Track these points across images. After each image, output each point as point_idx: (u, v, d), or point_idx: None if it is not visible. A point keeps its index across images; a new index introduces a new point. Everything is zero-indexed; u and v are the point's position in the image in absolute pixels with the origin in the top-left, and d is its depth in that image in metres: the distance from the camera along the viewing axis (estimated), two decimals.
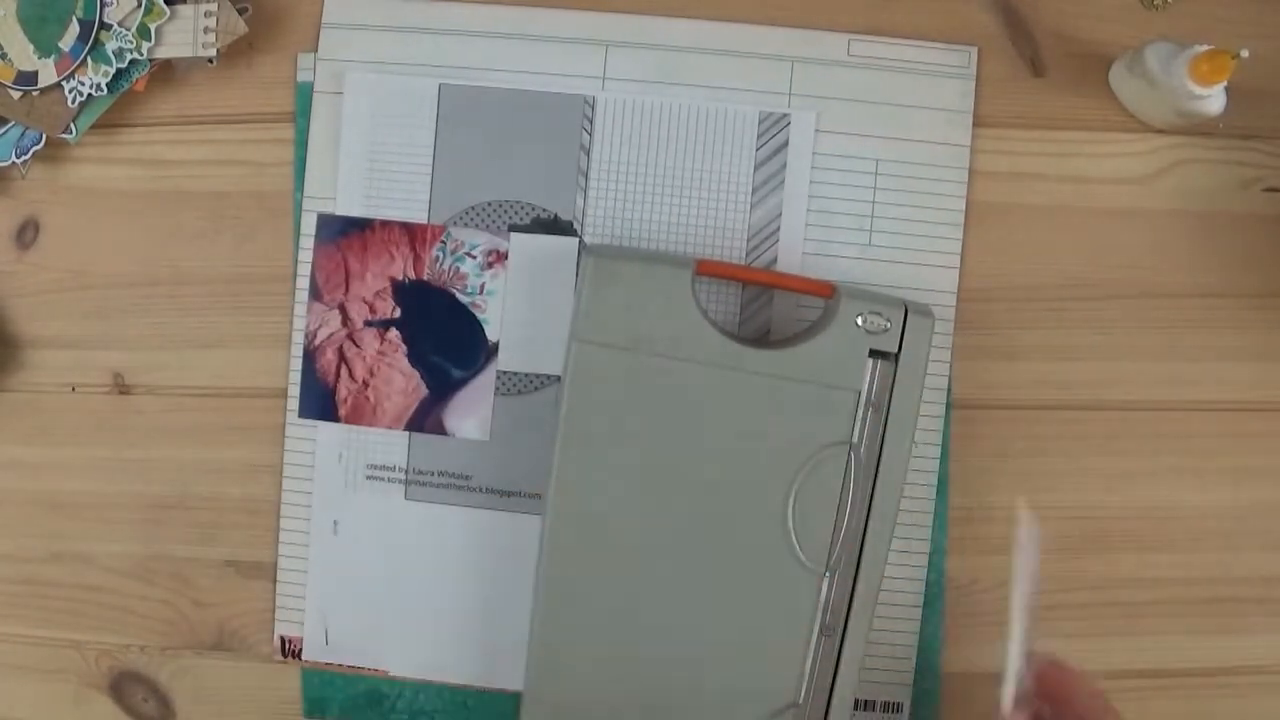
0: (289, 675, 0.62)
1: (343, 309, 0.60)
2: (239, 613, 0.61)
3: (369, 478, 0.61)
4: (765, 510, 0.55)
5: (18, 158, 0.59)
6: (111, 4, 0.57)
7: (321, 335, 0.61)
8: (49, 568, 0.62)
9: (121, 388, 0.61)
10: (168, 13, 0.57)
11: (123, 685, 0.62)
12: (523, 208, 0.60)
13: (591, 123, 0.60)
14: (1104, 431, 0.60)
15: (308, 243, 0.60)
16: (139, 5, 0.57)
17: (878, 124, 0.60)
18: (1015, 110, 0.60)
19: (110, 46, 0.57)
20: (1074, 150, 0.60)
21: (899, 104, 0.60)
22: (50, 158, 0.60)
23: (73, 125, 0.59)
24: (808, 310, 0.60)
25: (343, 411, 0.61)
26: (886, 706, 0.60)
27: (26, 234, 0.61)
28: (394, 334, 0.60)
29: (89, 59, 0.57)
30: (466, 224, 0.60)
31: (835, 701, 0.56)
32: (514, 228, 0.60)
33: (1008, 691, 0.45)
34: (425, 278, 0.60)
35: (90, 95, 0.58)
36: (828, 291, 0.56)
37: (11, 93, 0.58)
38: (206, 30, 0.57)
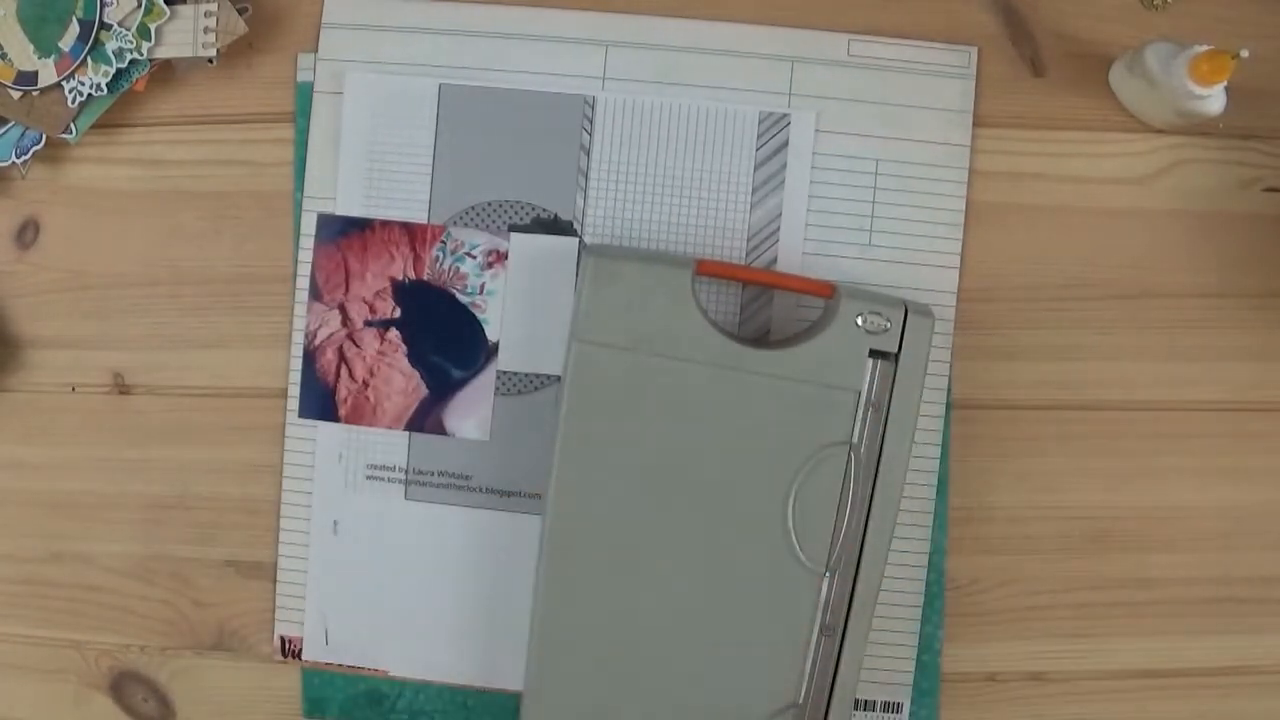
0: (289, 675, 0.62)
1: (343, 309, 0.60)
2: (239, 613, 0.61)
3: (369, 478, 0.61)
4: (765, 510, 0.55)
5: (18, 158, 0.59)
6: (111, 4, 0.57)
7: (321, 335, 0.61)
8: (49, 568, 0.62)
9: (121, 388, 0.61)
10: (168, 13, 0.57)
11: (123, 685, 0.62)
12: (523, 208, 0.60)
13: (591, 123, 0.60)
14: (1104, 431, 0.60)
15: (308, 243, 0.60)
16: (139, 5, 0.57)
17: (878, 124, 0.60)
18: (1015, 110, 0.60)
19: (110, 46, 0.57)
20: (1074, 150, 0.60)
21: (899, 104, 0.60)
22: (50, 158, 0.60)
23: (73, 125, 0.59)
24: (808, 310, 0.60)
25: (343, 411, 0.61)
26: (886, 706, 0.60)
27: (26, 234, 0.61)
28: (394, 334, 0.60)
29: (89, 59, 0.57)
30: (466, 224, 0.60)
31: (835, 701, 0.56)
32: (514, 228, 0.60)
33: None
34: (425, 278, 0.60)
35: (90, 95, 0.58)
36: (828, 291, 0.56)
37: (11, 93, 0.58)
38: (206, 30, 0.57)
